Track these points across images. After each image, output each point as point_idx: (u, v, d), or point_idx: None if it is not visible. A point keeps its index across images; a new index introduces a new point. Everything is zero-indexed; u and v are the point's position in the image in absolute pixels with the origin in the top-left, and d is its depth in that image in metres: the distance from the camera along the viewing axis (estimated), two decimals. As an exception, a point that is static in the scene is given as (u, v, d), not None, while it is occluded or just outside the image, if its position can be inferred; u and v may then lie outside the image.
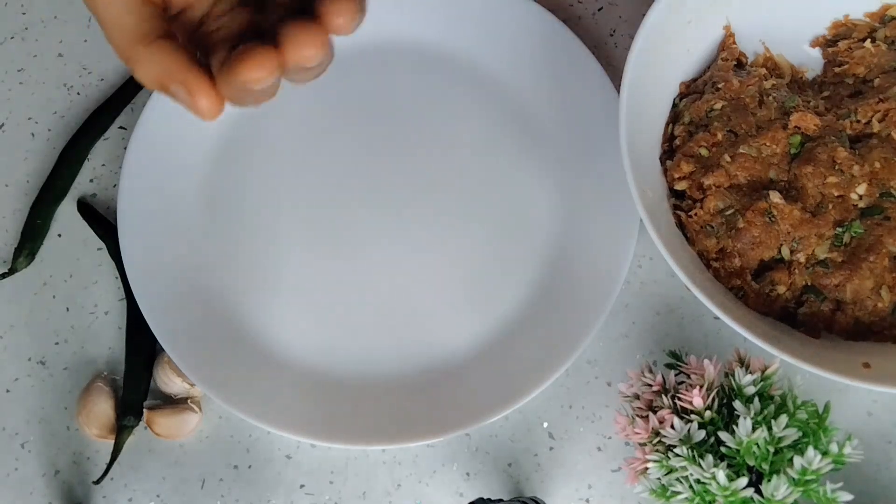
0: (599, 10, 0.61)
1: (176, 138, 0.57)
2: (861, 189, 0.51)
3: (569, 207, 0.57)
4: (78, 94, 0.62)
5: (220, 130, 0.59)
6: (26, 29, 0.63)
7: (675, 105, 0.55)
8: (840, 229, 0.50)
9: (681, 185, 0.52)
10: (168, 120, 0.57)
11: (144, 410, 0.54)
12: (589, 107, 0.57)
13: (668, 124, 0.54)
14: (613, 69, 0.58)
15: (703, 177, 0.51)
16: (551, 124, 0.58)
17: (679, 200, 0.52)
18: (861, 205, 0.51)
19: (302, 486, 0.54)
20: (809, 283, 0.50)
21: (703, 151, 0.52)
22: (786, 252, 0.50)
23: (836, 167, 0.51)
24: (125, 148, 0.57)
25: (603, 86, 0.56)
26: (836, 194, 0.51)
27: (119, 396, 0.55)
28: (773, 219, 0.49)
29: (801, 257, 0.50)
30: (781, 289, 0.50)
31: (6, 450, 0.55)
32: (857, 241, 0.50)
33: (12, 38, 0.63)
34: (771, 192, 0.50)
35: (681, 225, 0.52)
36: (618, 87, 0.51)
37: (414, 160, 0.58)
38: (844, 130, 0.52)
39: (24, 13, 0.63)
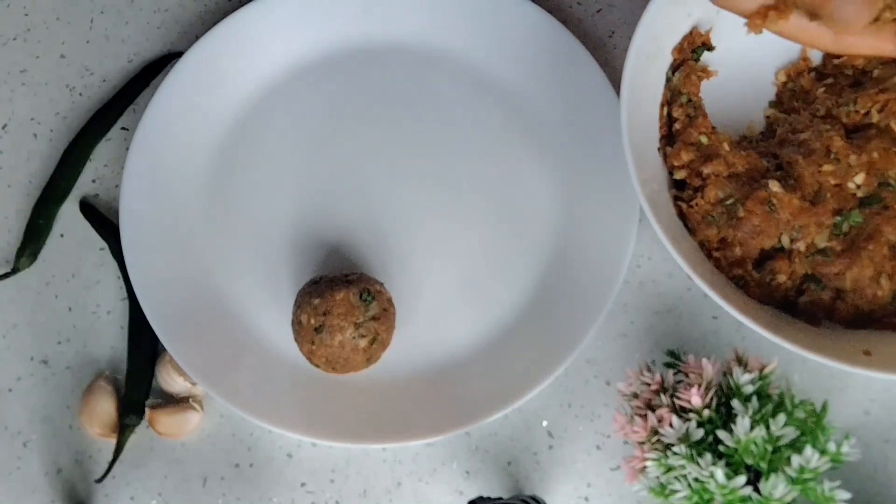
0: (598, 11, 0.61)
1: (178, 139, 0.58)
2: (859, 178, 0.51)
3: (568, 208, 0.57)
4: (80, 94, 0.62)
5: (221, 131, 0.59)
6: (29, 30, 0.63)
7: (668, 80, 0.55)
8: (839, 218, 0.50)
9: (680, 174, 0.52)
10: (170, 121, 0.57)
11: (146, 409, 0.54)
12: (588, 108, 0.57)
13: (663, 105, 0.54)
14: (612, 70, 0.58)
15: (702, 165, 0.51)
16: (551, 125, 0.58)
17: (679, 191, 0.53)
18: (859, 194, 0.51)
19: (303, 485, 0.54)
20: (809, 272, 0.50)
21: (703, 139, 0.52)
22: (786, 241, 0.50)
23: (832, 156, 0.51)
24: (127, 149, 0.57)
25: (602, 87, 0.56)
26: (833, 183, 0.51)
27: (121, 395, 0.55)
28: (772, 208, 0.50)
29: (801, 246, 0.50)
30: (782, 278, 0.50)
31: (9, 448, 0.55)
32: (856, 230, 0.50)
33: (15, 39, 0.63)
34: (770, 181, 0.50)
35: (681, 216, 0.52)
36: (616, 87, 0.51)
37: (415, 159, 0.58)
38: (841, 118, 0.53)
39: (26, 14, 0.64)
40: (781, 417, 0.40)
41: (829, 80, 0.55)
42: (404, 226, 0.57)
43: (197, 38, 0.60)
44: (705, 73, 0.55)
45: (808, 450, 0.39)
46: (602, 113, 0.56)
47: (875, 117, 0.52)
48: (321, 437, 0.51)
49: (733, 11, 0.44)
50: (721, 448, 0.41)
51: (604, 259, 0.54)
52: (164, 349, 0.55)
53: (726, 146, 0.52)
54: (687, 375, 0.44)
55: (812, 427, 0.41)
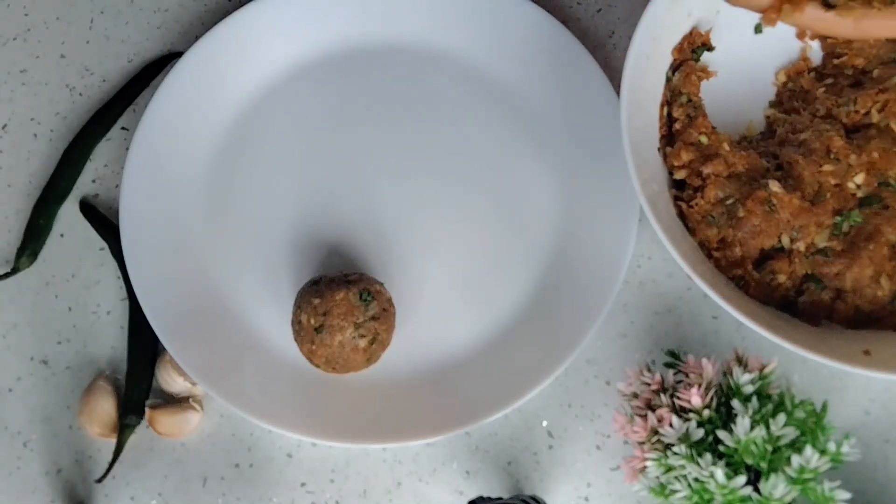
0: (598, 11, 0.61)
1: (178, 139, 0.58)
2: (859, 178, 0.51)
3: (568, 207, 0.57)
4: (80, 94, 0.62)
5: (221, 131, 0.59)
6: (29, 30, 0.63)
7: (668, 80, 0.55)
8: (839, 218, 0.50)
9: (680, 174, 0.52)
10: (170, 121, 0.57)
11: (146, 409, 0.54)
12: (588, 108, 0.57)
13: (663, 105, 0.54)
14: (612, 70, 0.58)
15: (702, 165, 0.51)
16: (551, 125, 0.58)
17: (679, 191, 0.53)
18: (859, 194, 0.51)
19: (303, 485, 0.54)
20: (810, 272, 0.50)
21: (703, 139, 0.52)
22: (786, 241, 0.50)
23: (832, 156, 0.51)
24: (127, 149, 0.57)
25: (602, 87, 0.56)
26: (833, 183, 0.51)
27: (121, 395, 0.55)
28: (772, 207, 0.50)
29: (801, 246, 0.50)
30: (782, 277, 0.50)
31: (9, 449, 0.55)
32: (856, 230, 0.50)
33: (15, 39, 0.63)
34: (770, 181, 0.50)
35: (681, 216, 0.52)
36: (617, 88, 0.51)
37: (415, 160, 0.58)
38: (841, 118, 0.53)
39: (26, 14, 0.64)
40: (781, 417, 0.40)
41: (829, 80, 0.55)
42: (404, 226, 0.57)
43: (197, 38, 0.60)
44: (705, 73, 0.55)
45: (808, 450, 0.40)
46: (602, 113, 0.56)
47: (875, 117, 0.53)
48: (321, 437, 0.51)
49: (748, 8, 0.44)
50: (721, 448, 0.41)
51: (604, 259, 0.54)
52: (164, 349, 0.55)
53: (726, 146, 0.52)
54: (687, 375, 0.44)
55: (812, 427, 0.41)
